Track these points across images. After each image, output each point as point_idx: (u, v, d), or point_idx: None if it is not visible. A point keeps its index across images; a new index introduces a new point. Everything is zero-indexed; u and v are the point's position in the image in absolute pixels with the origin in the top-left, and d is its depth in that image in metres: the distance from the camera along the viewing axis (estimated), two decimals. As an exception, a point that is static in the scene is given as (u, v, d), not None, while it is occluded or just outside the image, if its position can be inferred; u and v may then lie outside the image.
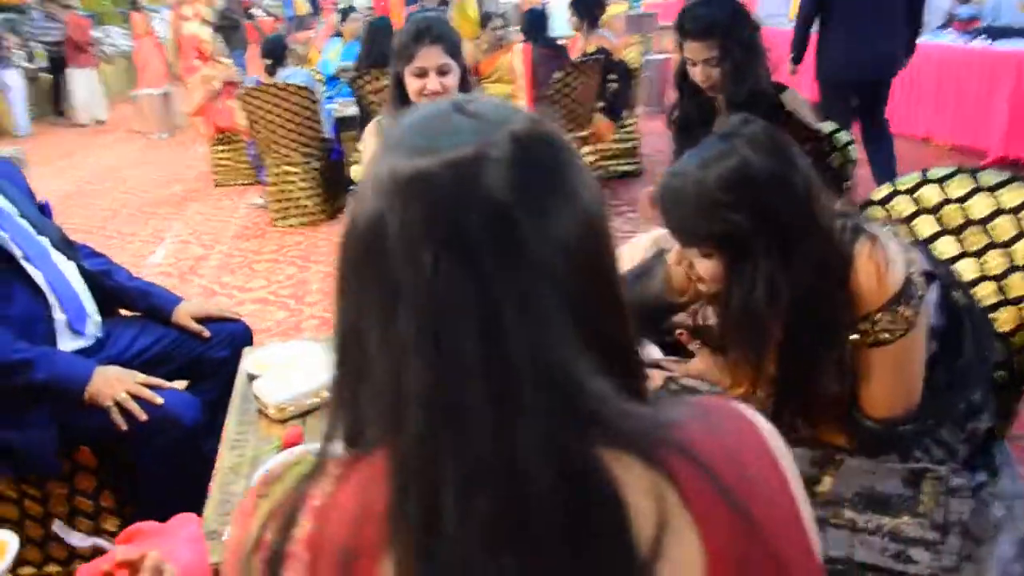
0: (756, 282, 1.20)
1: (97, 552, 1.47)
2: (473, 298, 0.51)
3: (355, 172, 4.07)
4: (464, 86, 2.27)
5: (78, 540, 1.39)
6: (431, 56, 2.13)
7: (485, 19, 5.98)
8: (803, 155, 1.25)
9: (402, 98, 2.22)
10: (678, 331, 1.49)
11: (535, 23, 5.14)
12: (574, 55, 5.22)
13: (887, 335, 1.23)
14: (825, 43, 4.15)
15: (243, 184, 6.40)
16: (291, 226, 5.22)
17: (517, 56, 5.08)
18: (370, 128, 2.32)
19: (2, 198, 1.86)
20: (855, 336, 1.25)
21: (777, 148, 1.22)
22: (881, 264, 1.20)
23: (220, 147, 6.46)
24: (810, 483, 1.33)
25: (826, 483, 1.32)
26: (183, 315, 2.06)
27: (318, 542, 0.53)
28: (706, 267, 1.26)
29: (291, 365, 1.73)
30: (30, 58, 10.72)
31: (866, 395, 1.30)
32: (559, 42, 5.39)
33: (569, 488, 0.50)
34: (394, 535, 0.51)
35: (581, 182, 0.57)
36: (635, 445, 0.52)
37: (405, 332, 0.52)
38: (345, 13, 7.33)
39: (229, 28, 9.15)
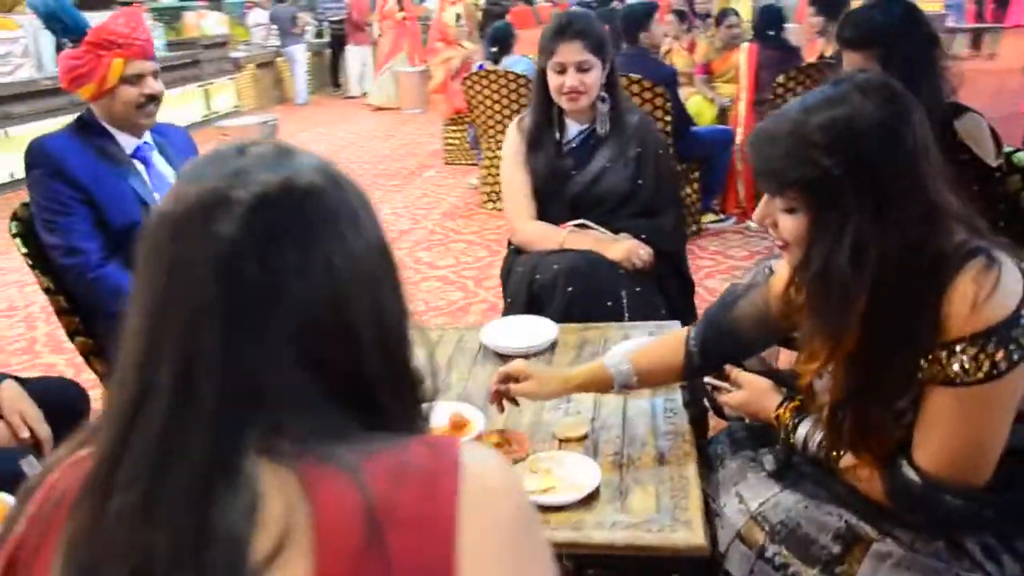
0: (842, 237, 1.06)
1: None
2: (188, 305, 0.59)
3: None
4: (611, 86, 2.17)
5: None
6: (571, 51, 2.06)
7: (721, 16, 5.69)
8: (924, 117, 1.10)
9: (543, 94, 2.17)
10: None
11: (766, 21, 4.80)
12: (812, 58, 4.82)
13: (960, 373, 1.03)
14: None
15: (468, 164, 6.66)
16: (497, 210, 5.34)
17: (743, 56, 4.79)
18: (512, 124, 2.30)
19: (164, 163, 2.07)
20: (927, 363, 1.06)
21: (892, 98, 1.08)
22: (985, 290, 1.01)
23: (452, 127, 6.78)
24: (830, 562, 1.15)
25: (852, 567, 1.12)
26: None
27: (53, 484, 0.64)
28: (789, 224, 1.14)
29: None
30: (319, 34, 11.95)
31: (919, 439, 1.10)
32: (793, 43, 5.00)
33: (212, 483, 0.55)
34: (78, 496, 0.59)
35: (339, 243, 0.61)
36: (292, 461, 0.57)
37: (137, 317, 0.61)
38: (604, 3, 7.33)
39: (494, 15, 9.57)
